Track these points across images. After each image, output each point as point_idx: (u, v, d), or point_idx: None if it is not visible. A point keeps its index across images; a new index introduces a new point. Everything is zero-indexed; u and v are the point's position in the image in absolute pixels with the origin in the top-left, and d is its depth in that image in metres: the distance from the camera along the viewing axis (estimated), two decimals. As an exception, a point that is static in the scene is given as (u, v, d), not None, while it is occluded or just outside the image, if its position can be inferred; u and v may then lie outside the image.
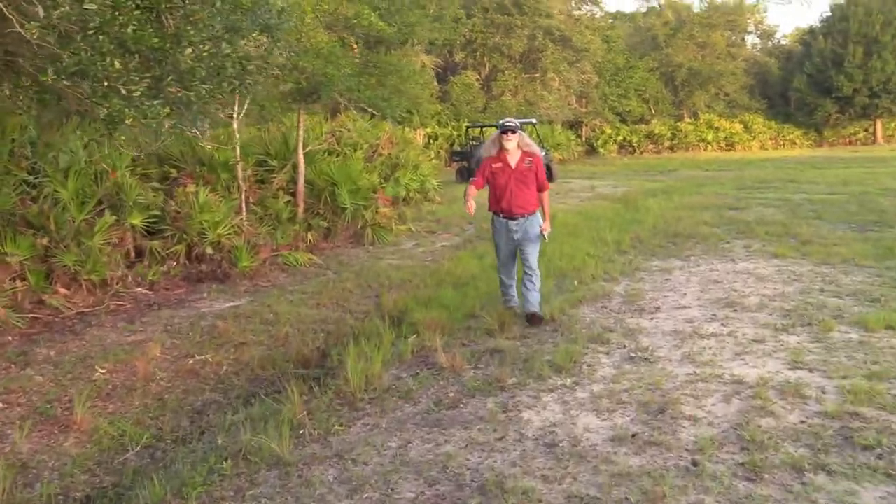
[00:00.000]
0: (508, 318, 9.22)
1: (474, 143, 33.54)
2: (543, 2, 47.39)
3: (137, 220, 13.38)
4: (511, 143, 8.89)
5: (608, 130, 56.73)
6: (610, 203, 23.20)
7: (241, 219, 14.38)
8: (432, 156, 40.57)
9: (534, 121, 35.53)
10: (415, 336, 9.14)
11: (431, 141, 43.40)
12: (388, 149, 23.61)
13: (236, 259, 13.10)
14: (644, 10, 67.07)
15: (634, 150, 57.29)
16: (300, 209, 16.31)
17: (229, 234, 13.76)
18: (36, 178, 13.10)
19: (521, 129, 9.06)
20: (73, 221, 11.97)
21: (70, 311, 10.98)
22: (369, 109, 15.95)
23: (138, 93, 6.24)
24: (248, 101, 14.36)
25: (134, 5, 6.11)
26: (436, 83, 44.56)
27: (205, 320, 10.53)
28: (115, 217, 12.78)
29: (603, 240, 15.33)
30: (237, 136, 14.47)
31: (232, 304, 11.58)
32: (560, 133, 48.55)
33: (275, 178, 16.50)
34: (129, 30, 5.95)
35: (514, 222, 9.09)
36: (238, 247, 13.23)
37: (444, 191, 25.63)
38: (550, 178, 31.69)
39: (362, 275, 13.51)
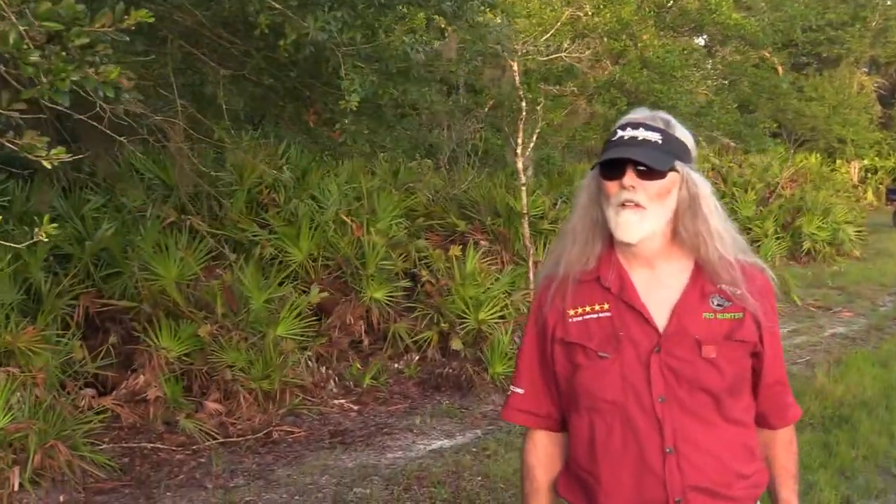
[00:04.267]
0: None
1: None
2: None
3: (380, 293, 9.32)
4: (641, 224, 2.22)
5: None
6: None
7: (526, 295, 9.78)
8: (864, 194, 33.06)
9: None
10: None
11: (869, 175, 35.59)
12: (792, 188, 17.77)
13: (488, 360, 8.51)
14: None
15: None
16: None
17: (502, 317, 9.24)
18: (254, 235, 9.51)
19: (685, 161, 2.29)
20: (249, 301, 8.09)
21: (208, 441, 7.05)
22: (723, 139, 10.69)
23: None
24: (538, 130, 9.71)
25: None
26: (878, 107, 36.66)
27: (362, 484, 6.15)
28: (325, 293, 8.78)
29: None
30: (522, 177, 9.84)
31: (446, 441, 7.11)
32: None
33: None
34: None
35: None
36: (500, 341, 8.63)
37: (872, 240, 19.03)
38: None
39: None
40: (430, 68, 6.12)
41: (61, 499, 6.04)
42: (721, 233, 2.30)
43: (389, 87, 5.73)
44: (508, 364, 8.45)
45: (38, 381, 6.86)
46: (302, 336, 8.19)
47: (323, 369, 8.35)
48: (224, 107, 5.70)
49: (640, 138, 2.23)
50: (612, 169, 2.23)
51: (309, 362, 8.24)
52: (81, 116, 4.69)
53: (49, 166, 3.09)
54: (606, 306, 2.28)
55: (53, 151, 3.04)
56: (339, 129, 6.30)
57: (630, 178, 2.20)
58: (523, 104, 9.10)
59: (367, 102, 6.04)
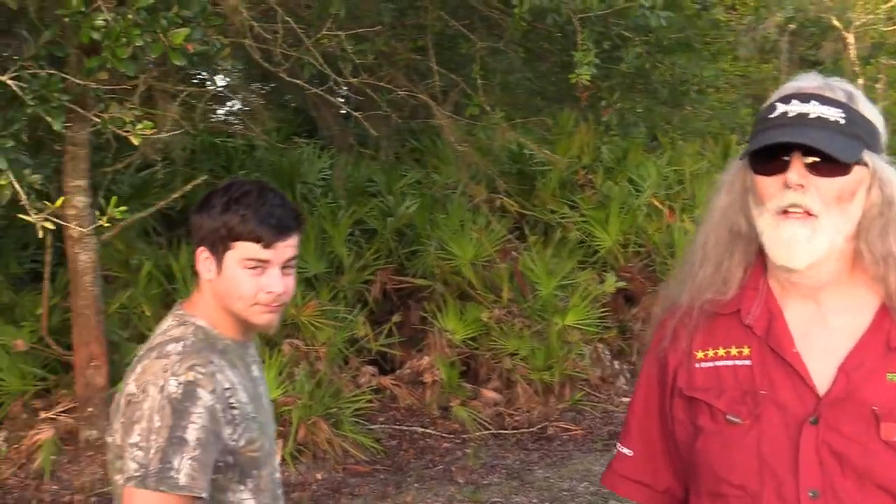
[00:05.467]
0: None
1: None
2: None
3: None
4: (812, 241, 1.47)
5: None
6: None
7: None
8: None
9: None
10: None
11: None
12: None
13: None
14: None
15: None
16: None
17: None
18: (562, 217, 9.10)
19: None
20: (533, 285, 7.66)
21: (479, 431, 6.75)
22: None
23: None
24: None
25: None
26: None
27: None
28: (622, 282, 8.15)
29: None
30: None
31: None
32: None
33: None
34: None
35: None
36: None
37: None
38: None
39: None
40: (707, 39, 5.28)
41: (319, 476, 5.97)
42: None
43: (659, 59, 5.00)
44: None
45: (320, 356, 6.88)
46: (595, 327, 7.59)
47: (616, 363, 7.70)
48: (479, 81, 5.27)
49: (812, 115, 1.49)
50: (770, 159, 1.50)
51: (602, 354, 7.64)
52: (316, 90, 4.47)
53: (136, 141, 2.80)
54: (747, 351, 1.56)
55: (139, 126, 2.75)
56: (605, 106, 5.62)
57: (798, 172, 1.47)
58: (860, 81, 7.84)
59: (637, 77, 5.37)
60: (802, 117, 1.48)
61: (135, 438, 1.85)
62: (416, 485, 5.75)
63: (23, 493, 5.26)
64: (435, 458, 6.27)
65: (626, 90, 5.62)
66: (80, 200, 5.53)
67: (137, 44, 2.55)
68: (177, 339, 1.96)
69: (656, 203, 9.03)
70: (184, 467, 1.82)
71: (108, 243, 6.40)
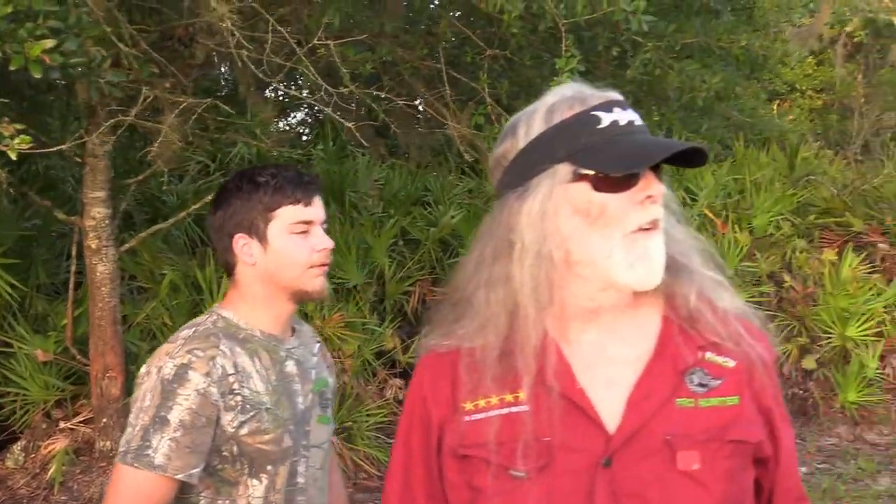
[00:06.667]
0: None
1: None
2: None
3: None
4: (663, 254, 1.38)
5: None
6: None
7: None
8: None
9: None
10: None
11: None
12: None
13: (839, 385, 7.12)
14: None
15: None
16: None
17: (878, 334, 7.66)
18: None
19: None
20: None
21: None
22: None
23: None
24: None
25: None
26: None
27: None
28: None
29: None
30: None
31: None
32: None
33: None
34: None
35: None
36: (862, 364, 7.20)
37: None
38: None
39: None
40: (721, 43, 5.01)
41: (326, 490, 5.92)
42: (698, 258, 1.44)
43: (669, 65, 4.79)
44: (865, 392, 7.00)
45: (347, 368, 6.85)
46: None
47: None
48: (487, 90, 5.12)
49: (637, 122, 1.38)
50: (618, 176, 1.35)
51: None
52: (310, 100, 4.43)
53: (13, 156, 2.77)
54: (522, 395, 1.38)
55: (17, 140, 2.73)
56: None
57: (655, 182, 1.34)
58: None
59: (651, 84, 5.19)
60: (632, 125, 1.36)
61: (130, 417, 1.90)
62: (418, 501, 5.65)
63: (31, 504, 5.36)
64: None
65: (642, 97, 5.44)
66: (99, 212, 5.60)
67: (-8, 57, 2.55)
68: (191, 326, 1.99)
69: (707, 213, 8.71)
70: (161, 447, 1.82)
71: (134, 253, 6.48)
